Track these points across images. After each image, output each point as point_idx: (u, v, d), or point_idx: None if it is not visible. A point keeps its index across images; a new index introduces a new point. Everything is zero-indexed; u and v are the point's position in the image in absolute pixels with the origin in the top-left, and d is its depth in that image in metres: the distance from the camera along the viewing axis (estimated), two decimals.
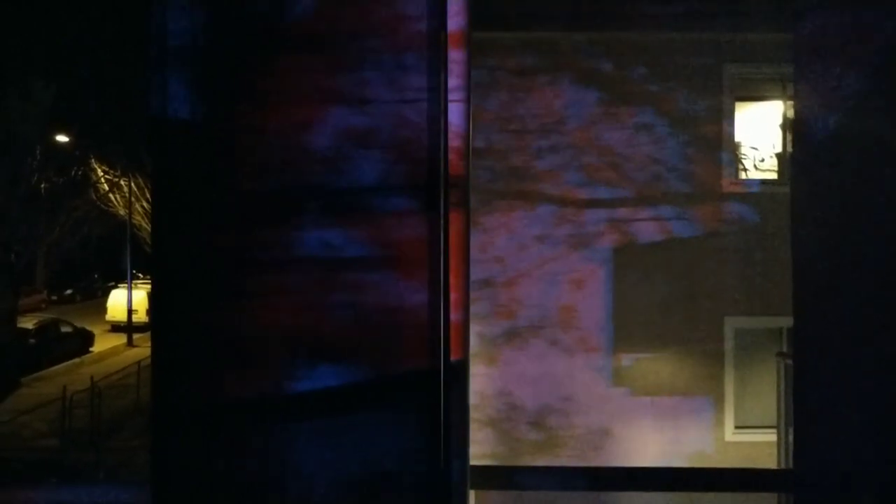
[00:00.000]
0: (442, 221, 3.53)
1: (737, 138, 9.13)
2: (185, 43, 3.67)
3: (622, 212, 8.85)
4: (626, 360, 8.85)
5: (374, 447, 3.58)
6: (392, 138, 3.60)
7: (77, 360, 25.23)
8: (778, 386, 6.96)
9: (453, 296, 3.54)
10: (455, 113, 3.54)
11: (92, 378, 17.94)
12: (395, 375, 3.57)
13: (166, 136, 3.68)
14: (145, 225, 29.90)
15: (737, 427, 8.96)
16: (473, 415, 7.96)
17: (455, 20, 3.56)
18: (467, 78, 3.56)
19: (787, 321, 6.33)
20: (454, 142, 3.55)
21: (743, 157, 9.38)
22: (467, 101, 3.55)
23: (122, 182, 29.88)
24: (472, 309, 3.76)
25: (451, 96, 3.54)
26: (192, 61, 3.67)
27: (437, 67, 3.56)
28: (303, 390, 3.61)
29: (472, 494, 3.70)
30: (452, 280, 3.53)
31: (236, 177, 3.65)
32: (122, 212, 30.80)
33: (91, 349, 27.04)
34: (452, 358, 3.54)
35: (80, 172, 26.56)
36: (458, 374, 3.56)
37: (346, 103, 3.62)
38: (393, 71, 3.60)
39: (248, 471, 3.62)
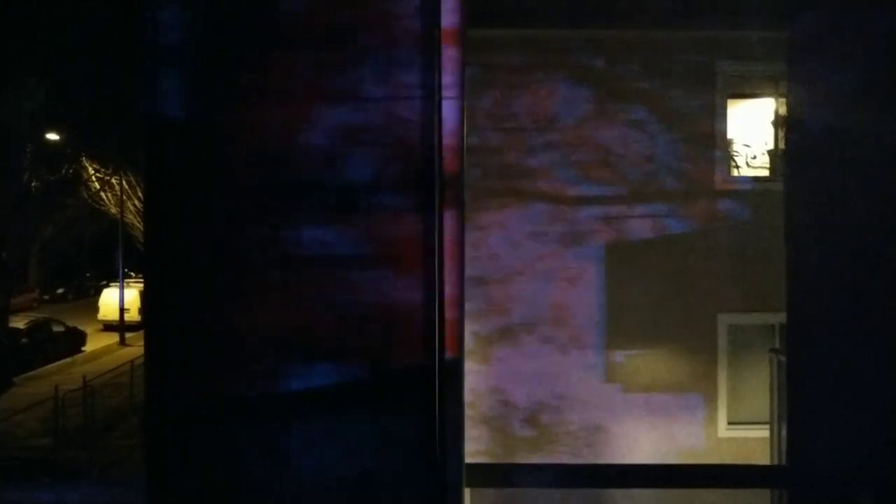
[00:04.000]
0: (437, 219, 3.53)
1: (729, 135, 9.16)
2: (178, 40, 3.65)
3: (615, 209, 8.86)
4: (619, 356, 8.87)
5: (369, 445, 3.58)
6: (386, 136, 3.59)
7: (69, 359, 25.11)
8: (771, 382, 6.99)
9: (448, 293, 3.54)
10: (449, 110, 3.54)
11: (84, 377, 17.87)
12: (389, 373, 3.57)
13: (160, 133, 3.66)
14: (137, 223, 29.79)
15: (730, 423, 8.99)
16: (467, 412, 7.96)
17: (449, 17, 3.55)
18: (461, 75, 3.56)
19: (780, 317, 6.36)
20: (448, 139, 3.54)
21: (735, 154, 9.41)
22: (461, 98, 3.55)
23: (113, 180, 29.74)
24: (466, 307, 3.75)
25: (445, 93, 3.54)
26: (186, 58, 3.66)
27: (432, 65, 3.55)
28: (297, 388, 3.61)
29: (467, 492, 3.70)
30: (447, 278, 3.53)
31: (230, 174, 3.64)
32: (113, 210, 30.67)
33: (83, 348, 26.92)
34: (447, 355, 3.54)
35: (71, 171, 26.43)
36: (453, 372, 3.56)
37: (341, 100, 3.62)
38: (387, 68, 3.59)
39: (242, 469, 3.61)
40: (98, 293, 35.50)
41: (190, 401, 3.62)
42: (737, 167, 9.41)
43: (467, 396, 3.89)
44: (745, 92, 9.35)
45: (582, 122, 8.85)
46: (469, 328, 7.82)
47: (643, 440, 8.88)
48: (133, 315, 30.14)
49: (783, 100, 8.58)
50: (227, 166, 3.64)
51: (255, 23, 3.65)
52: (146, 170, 3.75)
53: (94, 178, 29.45)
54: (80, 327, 27.75)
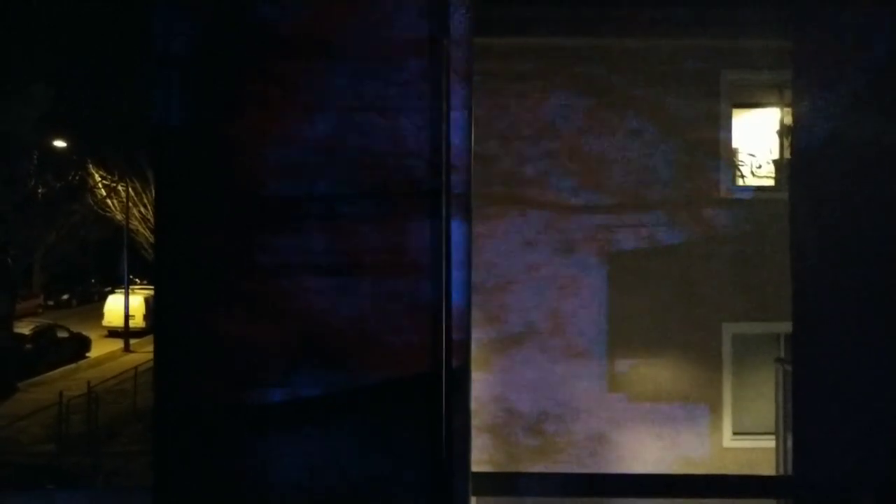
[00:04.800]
0: (444, 228, 3.55)
1: (734, 145, 9.17)
2: (187, 48, 3.68)
3: (618, 218, 8.87)
4: (622, 366, 8.86)
5: (375, 453, 3.59)
6: (394, 145, 3.61)
7: (73, 365, 25.17)
8: (776, 392, 6.98)
9: (455, 302, 3.55)
10: (457, 120, 3.56)
11: (89, 383, 17.91)
12: (396, 381, 3.58)
13: (169, 140, 3.69)
14: (143, 230, 29.89)
15: (735, 433, 8.97)
16: (471, 421, 7.94)
17: (457, 26, 3.58)
18: (469, 85, 3.58)
19: (785, 326, 6.35)
20: (456, 149, 3.56)
21: (740, 163, 9.42)
22: (469, 108, 3.57)
23: (119, 187, 29.87)
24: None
25: (452, 103, 3.56)
26: (195, 67, 3.69)
27: (439, 74, 3.57)
28: (304, 395, 3.62)
29: (473, 501, 3.71)
30: (454, 286, 3.55)
31: (238, 182, 3.66)
32: (119, 216, 30.77)
33: (88, 354, 26.98)
34: (454, 364, 3.55)
35: (77, 177, 26.57)
36: (460, 380, 3.58)
37: (348, 110, 3.64)
38: (394, 78, 3.61)
39: (248, 475, 3.62)
40: (103, 299, 35.57)
41: (198, 406, 3.63)
42: (742, 176, 9.42)
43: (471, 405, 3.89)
44: (750, 101, 9.36)
45: (583, 131, 8.87)
46: (472, 337, 7.83)
47: (647, 450, 8.86)
48: (138, 321, 30.24)
49: (788, 109, 8.59)
50: (235, 173, 3.66)
51: (263, 32, 3.68)
52: (156, 176, 3.77)
53: (100, 184, 29.59)
54: (84, 333, 27.81)
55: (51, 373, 23.72)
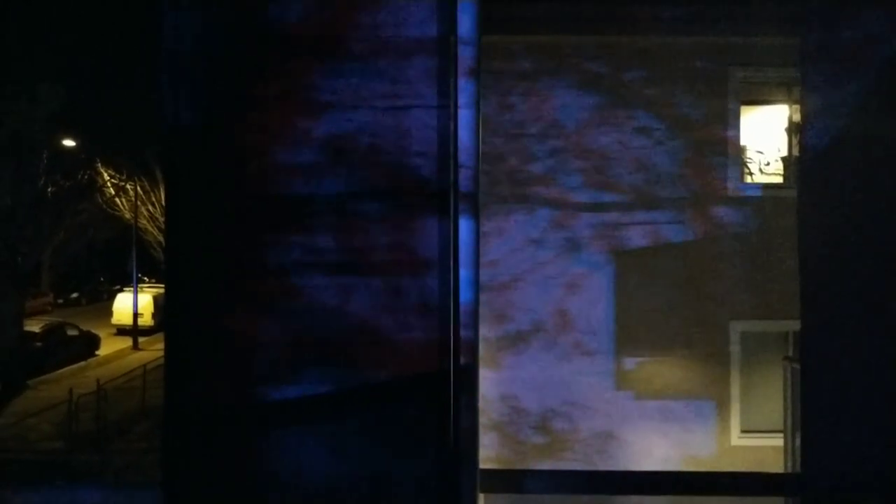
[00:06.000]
0: (452, 226, 3.56)
1: (742, 142, 9.14)
2: (196, 48, 3.70)
3: (626, 216, 8.86)
4: (630, 363, 8.85)
5: (384, 450, 3.60)
6: (402, 144, 3.62)
7: (83, 363, 25.30)
8: (785, 390, 6.96)
9: (463, 300, 3.56)
10: (465, 118, 3.57)
11: (98, 381, 17.99)
12: (404, 379, 3.59)
13: (178, 140, 3.71)
14: (151, 229, 30.04)
15: (743, 431, 8.95)
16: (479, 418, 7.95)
17: (464, 26, 3.59)
18: (477, 83, 3.58)
19: (793, 325, 6.33)
20: (464, 147, 3.57)
21: (749, 160, 9.39)
22: (477, 106, 3.58)
23: (127, 186, 30.00)
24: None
25: (460, 102, 3.56)
26: (204, 67, 3.70)
27: (447, 73, 3.58)
28: (312, 393, 3.64)
29: (481, 498, 3.72)
30: (462, 284, 3.55)
31: (248, 181, 3.68)
32: (127, 215, 30.91)
33: (97, 352, 27.10)
34: (462, 361, 3.56)
35: (86, 176, 26.69)
36: (468, 378, 3.59)
37: (356, 109, 3.65)
38: (402, 77, 3.62)
39: (258, 473, 3.64)
40: (111, 298, 35.72)
41: (206, 404, 3.65)
42: (750, 174, 9.39)
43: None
44: (759, 98, 9.32)
45: (590, 129, 8.86)
46: (479, 334, 7.82)
47: (654, 448, 8.85)
48: (146, 320, 30.37)
49: (797, 106, 8.56)
50: (243, 173, 3.68)
51: (272, 32, 3.69)
52: (167, 177, 3.79)
53: (108, 183, 29.72)
54: (93, 331, 27.93)
55: (60, 370, 23.84)
